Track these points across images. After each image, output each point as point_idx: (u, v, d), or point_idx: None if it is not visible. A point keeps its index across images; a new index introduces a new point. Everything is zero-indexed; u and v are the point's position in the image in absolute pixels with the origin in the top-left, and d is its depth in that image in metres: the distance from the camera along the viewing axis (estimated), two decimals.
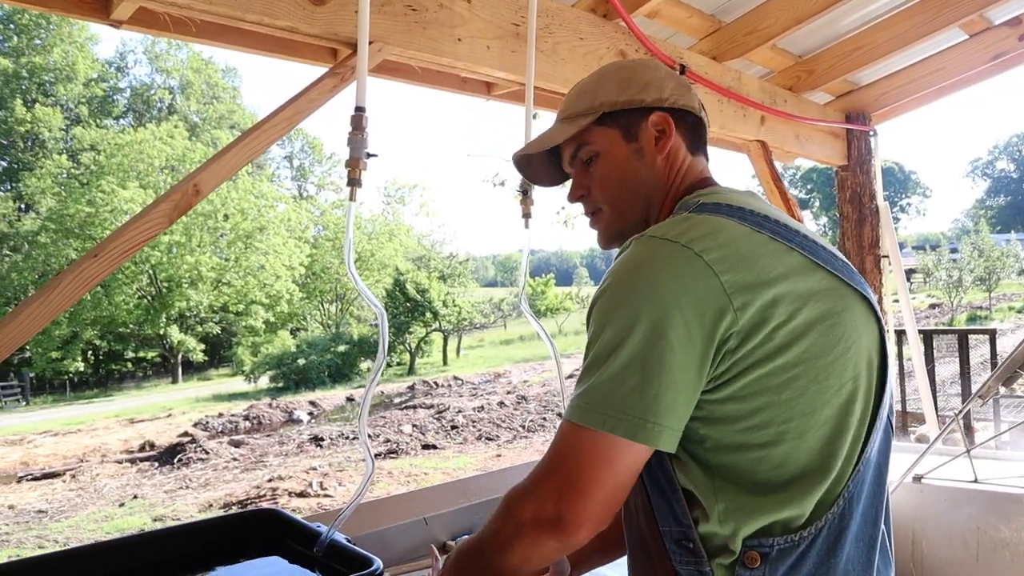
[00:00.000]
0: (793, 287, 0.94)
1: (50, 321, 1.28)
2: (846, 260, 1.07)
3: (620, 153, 1.13)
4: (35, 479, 11.33)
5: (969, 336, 6.38)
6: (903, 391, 6.31)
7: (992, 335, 6.44)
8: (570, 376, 18.71)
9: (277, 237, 32.93)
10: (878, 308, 1.06)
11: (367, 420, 1.31)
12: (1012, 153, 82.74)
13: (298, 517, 1.37)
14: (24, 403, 26.46)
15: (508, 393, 17.26)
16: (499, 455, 10.75)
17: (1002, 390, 3.50)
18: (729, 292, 0.90)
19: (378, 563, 1.13)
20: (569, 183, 1.22)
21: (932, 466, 3.28)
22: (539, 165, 1.26)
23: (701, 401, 0.93)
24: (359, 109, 1.31)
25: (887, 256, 3.67)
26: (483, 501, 1.81)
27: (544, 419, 13.64)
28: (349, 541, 1.22)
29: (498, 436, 12.38)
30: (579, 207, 1.21)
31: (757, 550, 0.91)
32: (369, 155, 1.28)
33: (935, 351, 6.31)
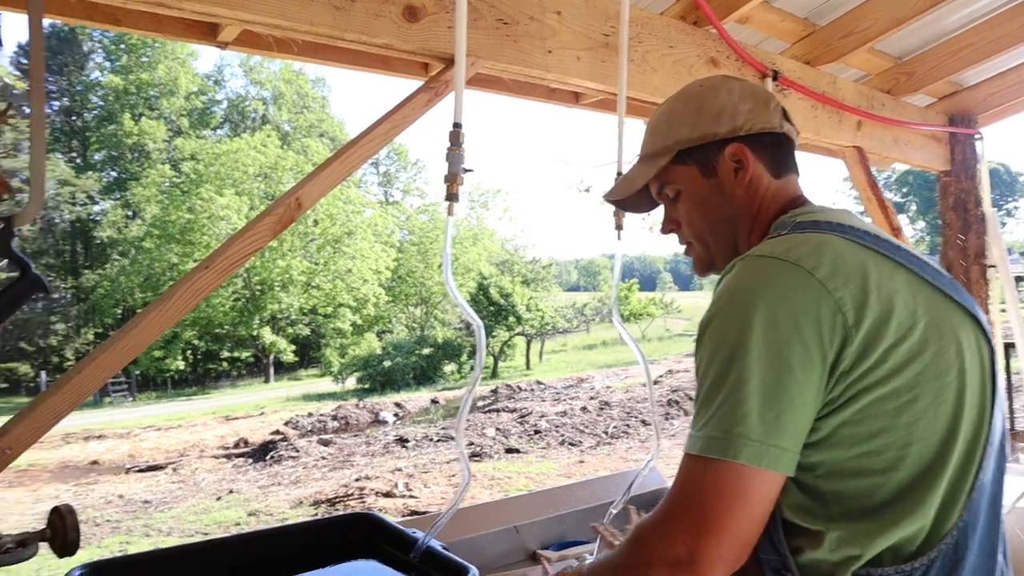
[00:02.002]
0: (904, 305, 0.91)
1: (168, 328, 1.36)
2: (952, 278, 1.03)
3: (700, 190, 1.13)
4: (141, 471, 11.93)
5: None
6: (1011, 407, 5.98)
7: None
8: (656, 382, 18.51)
9: (364, 241, 33.76)
10: (988, 327, 1.01)
11: (464, 427, 1.34)
12: None
13: (394, 522, 1.41)
14: (131, 399, 28.05)
15: (591, 399, 17.16)
16: (582, 461, 10.70)
17: None
18: (844, 309, 0.88)
19: (474, 571, 1.16)
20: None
21: None
22: (631, 195, 1.26)
23: (816, 426, 0.89)
24: (456, 125, 1.34)
25: (994, 266, 3.50)
26: (572, 511, 1.82)
27: (628, 426, 13.49)
28: (445, 548, 1.25)
29: (581, 442, 12.32)
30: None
31: None
32: (466, 170, 1.32)
33: None
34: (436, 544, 1.28)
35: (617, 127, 1.90)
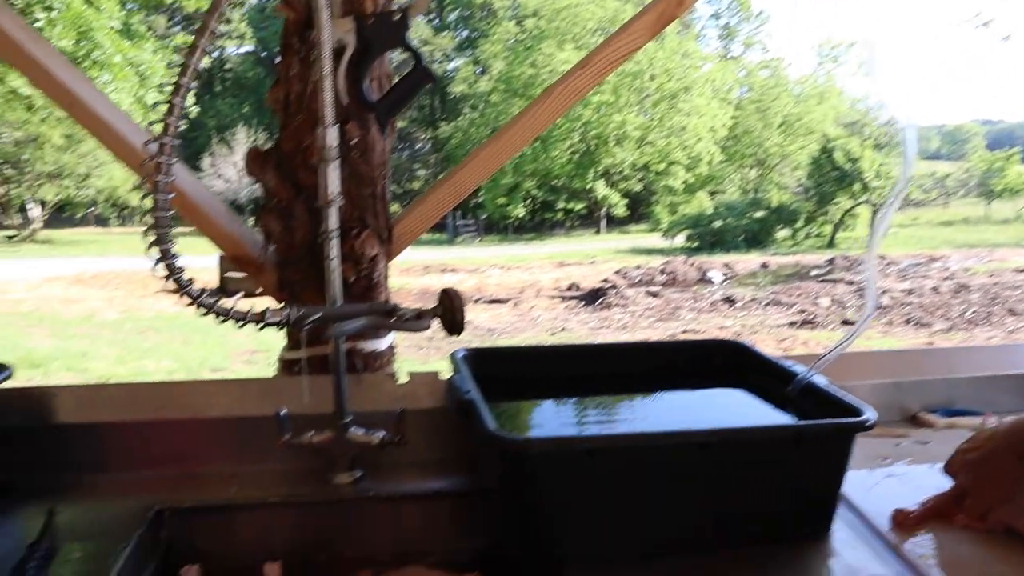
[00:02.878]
0: None
1: (547, 127, 1.33)
2: None
3: None
4: (487, 302, 13.22)
5: None
6: None
7: None
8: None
9: (701, 98, 32.55)
10: None
11: (876, 254, 1.13)
12: None
13: (768, 353, 1.29)
14: (479, 240, 31.18)
15: (944, 279, 15.27)
16: (931, 343, 9.67)
17: None
18: None
19: (870, 413, 1.00)
20: None
21: None
22: None
23: None
24: None
25: None
26: (967, 377, 1.55)
27: (990, 313, 11.83)
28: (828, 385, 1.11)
29: (930, 323, 11.10)
30: None
31: None
32: None
33: None
34: (820, 380, 1.14)
35: None
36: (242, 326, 1.06)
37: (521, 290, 14.50)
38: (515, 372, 1.29)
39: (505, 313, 12.15)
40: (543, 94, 1.39)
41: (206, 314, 1.02)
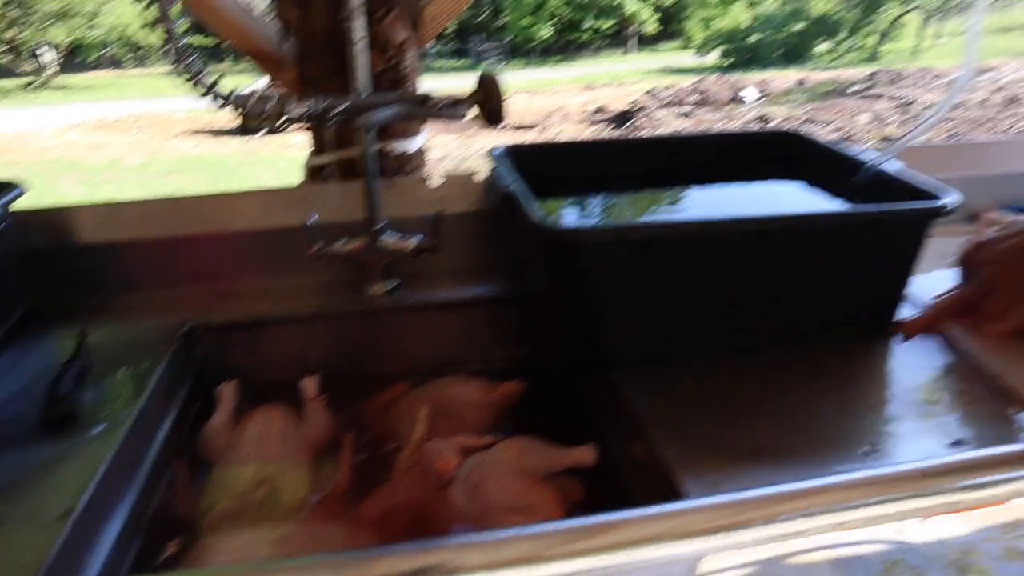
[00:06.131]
0: None
1: None
2: None
3: None
4: (513, 130, 12.91)
5: None
6: None
7: None
8: None
9: None
10: None
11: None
12: None
13: (829, 142, 1.18)
14: (504, 63, 30.03)
15: (995, 91, 14.50)
16: None
17: None
18: None
19: (951, 197, 0.91)
20: None
21: None
22: None
23: None
24: None
25: None
26: None
27: None
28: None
29: (974, 139, 10.67)
30: None
31: None
32: None
33: None
34: (893, 167, 1.04)
35: None
36: (261, 123, 0.97)
37: (548, 115, 14.08)
38: (559, 170, 1.20)
39: (532, 138, 11.87)
40: None
41: (223, 106, 0.93)
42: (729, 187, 1.20)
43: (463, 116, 0.97)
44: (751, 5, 31.38)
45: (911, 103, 13.33)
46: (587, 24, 32.59)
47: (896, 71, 18.85)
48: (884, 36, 25.12)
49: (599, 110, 14.27)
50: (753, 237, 0.86)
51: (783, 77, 19.03)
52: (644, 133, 11.64)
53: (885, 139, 10.50)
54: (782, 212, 0.88)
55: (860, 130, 11.14)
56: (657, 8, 31.99)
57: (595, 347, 0.90)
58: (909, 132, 1.02)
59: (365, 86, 1.04)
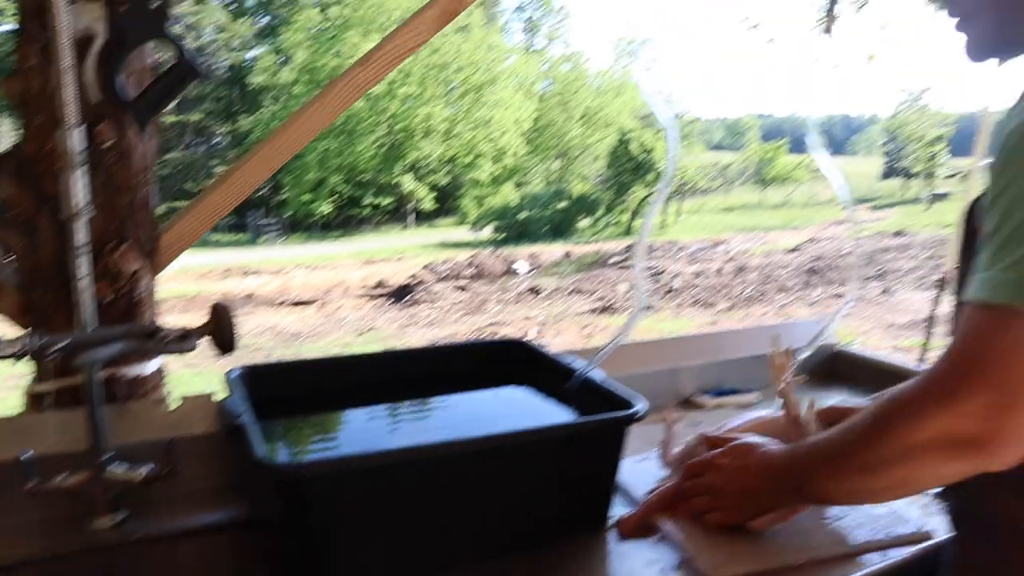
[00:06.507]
0: None
1: (326, 126, 1.28)
2: None
3: None
4: (291, 305, 12.76)
5: None
6: None
7: None
8: (794, 250, 17.67)
9: (506, 91, 33.26)
10: None
11: (645, 247, 1.18)
12: None
13: (550, 351, 1.32)
14: (282, 239, 29.95)
15: (727, 261, 16.68)
16: (715, 322, 10.51)
17: None
18: None
19: (642, 403, 1.05)
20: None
21: None
22: None
23: None
24: None
25: None
26: (736, 359, 1.68)
27: (764, 291, 13.07)
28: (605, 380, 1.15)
29: (715, 303, 12.07)
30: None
31: None
32: None
33: None
34: (597, 375, 1.18)
35: None
36: None
37: (328, 290, 14.13)
38: (296, 387, 1.23)
39: (311, 315, 11.80)
40: (323, 91, 1.34)
41: None
42: (464, 396, 1.29)
43: (193, 348, 0.98)
44: (519, 185, 34.27)
45: (661, 272, 14.95)
46: (367, 200, 33.74)
47: (649, 243, 21.13)
48: (635, 213, 28.26)
49: (379, 284, 14.55)
50: (467, 457, 0.93)
51: (551, 250, 20.67)
52: (423, 306, 11.97)
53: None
54: (493, 432, 0.96)
55: (620, 298, 12.24)
56: (434, 187, 33.93)
57: (329, 572, 0.91)
58: (606, 347, 1.17)
59: (89, 321, 1.02)
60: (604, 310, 11.26)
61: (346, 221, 34.59)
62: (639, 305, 1.14)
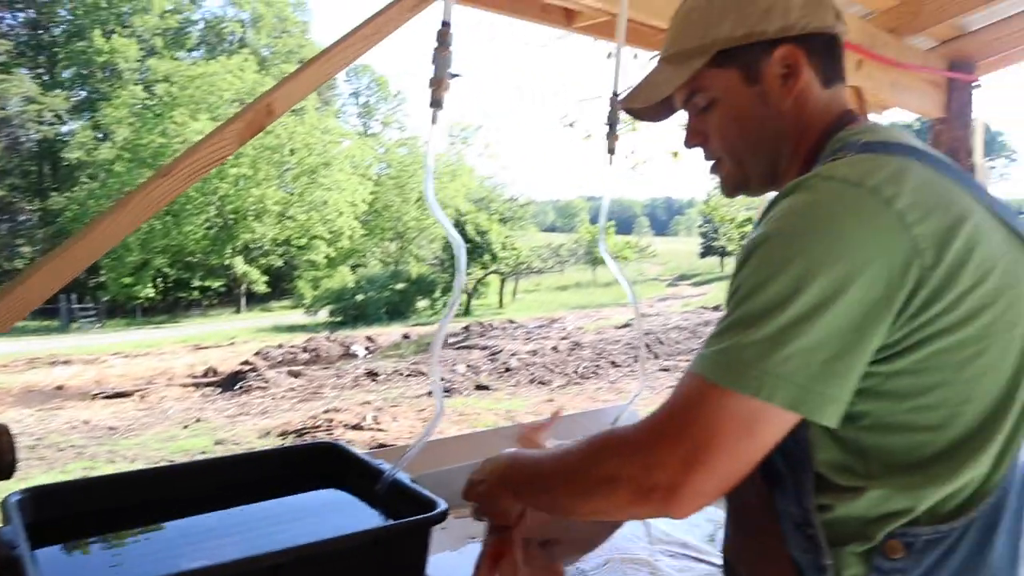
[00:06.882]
0: (982, 246, 0.79)
1: (120, 240, 1.25)
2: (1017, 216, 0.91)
3: (740, 99, 0.96)
4: (108, 397, 11.83)
5: None
6: None
7: None
8: (624, 325, 18.61)
9: (341, 173, 33.26)
10: None
11: (439, 358, 1.24)
12: None
13: (360, 453, 1.34)
14: (99, 325, 27.73)
15: (562, 339, 17.24)
16: (551, 399, 10.77)
17: None
18: (921, 248, 0.76)
19: (443, 505, 1.09)
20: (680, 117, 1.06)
21: None
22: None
23: (868, 372, 0.78)
24: (445, 24, 1.22)
25: None
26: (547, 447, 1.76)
27: (598, 367, 13.59)
28: (413, 481, 1.18)
29: (551, 381, 12.40)
30: (656, 151, 1.08)
31: (901, 539, 0.80)
32: (453, 75, 1.20)
33: None
34: (404, 476, 1.21)
35: (615, 54, 1.77)
36: None
37: (150, 379, 13.26)
38: (91, 507, 1.17)
39: (130, 407, 10.98)
40: (121, 200, 1.31)
41: None
42: (268, 504, 1.28)
43: None
44: (356, 267, 34.01)
45: (499, 351, 15.19)
46: (196, 283, 32.20)
47: (486, 323, 21.51)
48: (472, 294, 28.73)
49: (208, 372, 13.83)
50: (264, 572, 0.93)
51: (390, 332, 20.53)
52: (255, 394, 11.47)
53: (478, 386, 11.71)
54: (292, 545, 0.96)
55: (459, 378, 12.30)
56: (267, 269, 32.98)
57: None
58: (410, 451, 1.21)
59: None
60: (443, 392, 11.25)
61: (172, 305, 32.76)
62: (438, 409, 1.20)
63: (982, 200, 0.85)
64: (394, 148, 40.60)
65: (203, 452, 8.02)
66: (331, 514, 1.26)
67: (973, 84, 3.41)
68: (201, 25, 41.23)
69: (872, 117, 3.29)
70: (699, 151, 1.05)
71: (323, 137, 32.94)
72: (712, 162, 1.04)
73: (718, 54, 0.95)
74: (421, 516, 1.07)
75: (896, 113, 3.71)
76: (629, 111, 1.08)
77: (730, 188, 1.04)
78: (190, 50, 39.67)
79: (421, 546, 1.09)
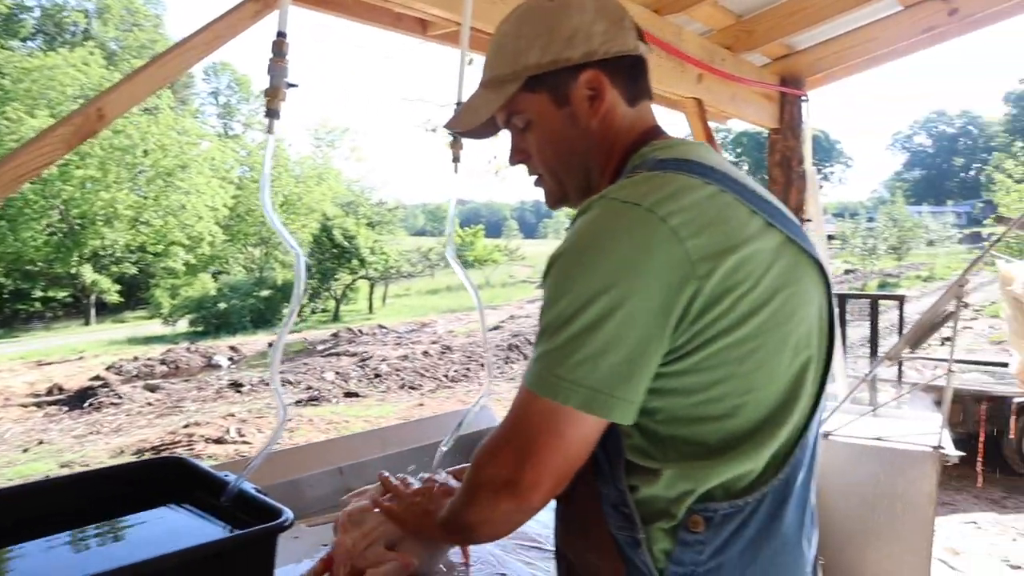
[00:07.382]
0: (757, 253, 0.90)
1: None
2: (797, 222, 1.03)
3: (552, 120, 1.05)
4: None
5: (879, 301, 6.67)
6: None
7: (901, 301, 6.73)
8: (496, 327, 18.79)
9: (200, 176, 31.71)
10: (829, 273, 1.02)
11: (280, 366, 1.25)
12: (929, 129, 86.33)
13: (206, 465, 1.32)
14: None
15: (433, 343, 17.20)
16: (422, 404, 10.75)
17: (906, 353, 3.66)
18: (694, 260, 0.85)
19: (288, 514, 1.09)
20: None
21: (839, 424, 3.42)
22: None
23: (658, 373, 0.89)
24: (280, 34, 1.21)
25: (810, 220, 3.76)
26: (401, 451, 1.78)
27: (468, 369, 13.67)
28: (259, 491, 1.17)
29: (421, 385, 12.36)
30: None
31: (701, 514, 0.91)
32: (290, 85, 1.20)
33: (847, 314, 6.55)
34: (249, 487, 1.20)
35: (459, 62, 1.82)
36: None
37: None
38: None
39: None
40: None
41: None
42: (112, 524, 1.23)
43: None
44: (217, 274, 32.56)
45: (369, 358, 14.97)
46: (37, 294, 29.80)
47: (356, 329, 21.13)
48: (341, 300, 28.15)
49: (52, 389, 12.86)
50: None
51: (254, 341, 19.79)
52: (107, 411, 10.79)
53: (347, 394, 11.50)
54: (131, 562, 0.94)
55: (328, 386, 12.03)
56: (120, 278, 31.01)
57: None
58: (254, 460, 1.20)
59: None
60: (311, 400, 11.00)
61: (10, 319, 30.21)
62: (281, 417, 1.19)
63: (762, 210, 0.95)
64: (257, 151, 39.16)
65: (46, 476, 7.46)
66: (175, 530, 1.23)
67: (802, 98, 3.71)
68: (37, 13, 38.27)
69: (713, 126, 3.52)
70: (523, 168, 1.13)
71: (179, 138, 31.29)
72: (535, 177, 1.13)
73: (529, 79, 1.04)
74: (264, 525, 1.07)
75: (737, 123, 3.99)
76: (456, 131, 1.15)
77: (552, 201, 1.14)
78: (24, 39, 36.69)
79: (267, 556, 1.09)
